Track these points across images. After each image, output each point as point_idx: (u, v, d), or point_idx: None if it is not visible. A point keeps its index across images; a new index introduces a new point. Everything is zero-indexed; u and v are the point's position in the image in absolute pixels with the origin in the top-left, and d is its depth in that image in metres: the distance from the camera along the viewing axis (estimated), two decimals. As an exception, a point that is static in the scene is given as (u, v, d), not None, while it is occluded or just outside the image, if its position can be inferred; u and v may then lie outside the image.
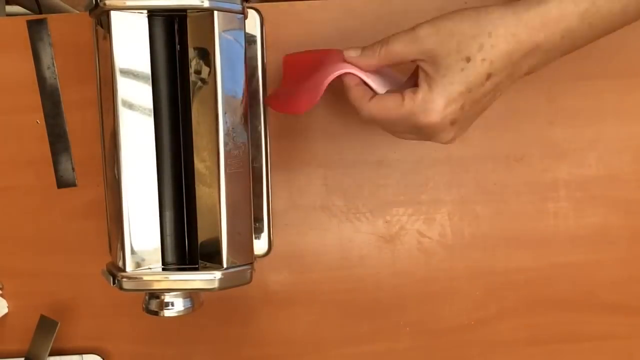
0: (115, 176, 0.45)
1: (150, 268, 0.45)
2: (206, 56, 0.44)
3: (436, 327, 0.60)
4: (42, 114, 0.58)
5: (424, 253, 0.60)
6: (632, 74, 0.59)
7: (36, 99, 0.58)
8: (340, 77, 0.46)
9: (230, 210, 0.44)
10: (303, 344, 0.60)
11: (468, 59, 0.40)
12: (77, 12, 1.06)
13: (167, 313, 0.47)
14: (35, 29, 0.57)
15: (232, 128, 0.44)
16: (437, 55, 0.41)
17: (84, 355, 0.59)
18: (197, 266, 0.46)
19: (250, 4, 0.55)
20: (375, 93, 0.45)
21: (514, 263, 0.60)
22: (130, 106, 0.44)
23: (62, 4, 1.05)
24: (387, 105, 0.43)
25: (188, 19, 0.45)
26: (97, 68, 0.51)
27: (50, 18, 0.57)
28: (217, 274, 0.44)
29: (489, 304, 0.60)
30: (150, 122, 0.45)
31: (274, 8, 0.57)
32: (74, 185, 0.59)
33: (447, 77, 0.41)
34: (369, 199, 0.59)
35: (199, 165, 0.46)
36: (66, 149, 0.59)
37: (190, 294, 0.48)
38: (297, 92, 0.50)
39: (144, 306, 0.48)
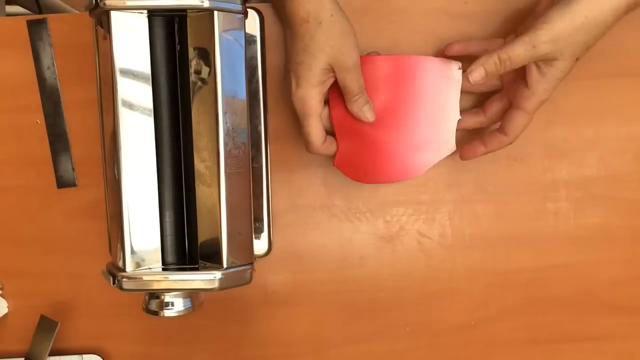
0: (115, 176, 0.45)
1: (150, 268, 0.45)
2: (206, 56, 0.44)
3: (436, 327, 0.60)
4: (42, 114, 0.58)
5: (424, 253, 0.60)
6: (632, 74, 0.59)
7: (36, 99, 0.58)
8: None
9: (230, 210, 0.44)
10: (303, 343, 0.60)
11: (577, 59, 0.48)
12: (77, 12, 1.06)
13: (167, 313, 0.47)
14: (35, 29, 0.57)
15: (232, 128, 0.44)
16: (554, 60, 0.48)
17: (84, 355, 0.59)
18: (197, 266, 0.46)
19: (250, 4, 0.55)
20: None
21: (514, 263, 0.60)
22: (130, 106, 0.44)
23: (62, 4, 1.05)
24: (520, 123, 0.51)
25: (188, 19, 0.45)
26: (97, 68, 0.51)
27: (50, 18, 0.57)
28: (217, 274, 0.44)
29: (489, 304, 0.60)
30: (150, 122, 0.45)
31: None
32: (74, 185, 0.59)
33: (558, 77, 0.49)
34: (369, 199, 0.59)
35: (199, 165, 0.46)
36: (66, 149, 0.59)
37: (190, 294, 0.48)
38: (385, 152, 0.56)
39: (144, 306, 0.48)
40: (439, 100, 0.55)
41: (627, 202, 0.60)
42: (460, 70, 0.54)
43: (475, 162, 0.58)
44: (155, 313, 0.47)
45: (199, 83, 0.45)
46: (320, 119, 0.52)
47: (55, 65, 0.58)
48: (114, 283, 0.45)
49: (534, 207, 0.60)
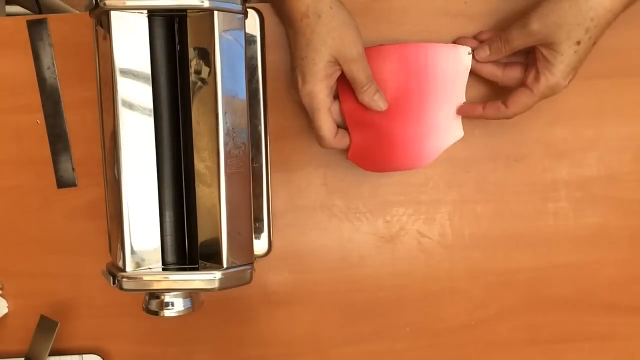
0: (115, 176, 0.45)
1: (150, 268, 0.45)
2: (206, 56, 0.44)
3: (436, 327, 0.60)
4: (42, 114, 0.58)
5: (424, 253, 0.60)
6: (632, 74, 0.59)
7: (36, 99, 0.58)
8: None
9: (230, 210, 0.44)
10: (303, 343, 0.60)
11: (578, 42, 0.48)
12: (77, 12, 1.06)
13: (167, 313, 0.47)
14: (35, 29, 0.57)
15: (232, 128, 0.44)
16: (552, 43, 0.49)
17: (84, 355, 0.59)
18: (197, 266, 0.46)
19: (250, 4, 0.55)
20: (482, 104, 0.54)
21: (514, 263, 0.60)
22: (130, 106, 0.44)
23: (62, 4, 1.05)
24: (522, 101, 0.52)
25: (188, 19, 0.45)
26: (97, 68, 0.51)
27: (50, 18, 0.57)
28: (217, 274, 0.44)
29: (489, 304, 0.60)
30: (150, 122, 0.45)
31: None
32: (74, 185, 0.59)
33: (563, 62, 0.49)
34: (369, 199, 0.59)
35: (199, 165, 0.45)
36: (66, 149, 0.59)
37: (190, 294, 0.48)
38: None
39: (144, 306, 0.48)
40: (447, 86, 0.55)
41: (627, 202, 0.60)
42: (470, 55, 0.55)
43: (475, 162, 0.58)
44: (155, 313, 0.47)
45: (199, 83, 0.45)
46: (330, 113, 0.52)
47: (55, 65, 0.58)
48: (114, 283, 0.45)
49: (534, 207, 0.60)
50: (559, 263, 0.60)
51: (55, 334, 0.56)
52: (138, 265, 0.45)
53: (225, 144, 0.44)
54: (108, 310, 0.60)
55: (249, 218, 0.47)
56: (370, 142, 0.55)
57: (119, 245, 0.45)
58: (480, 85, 0.57)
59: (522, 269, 0.60)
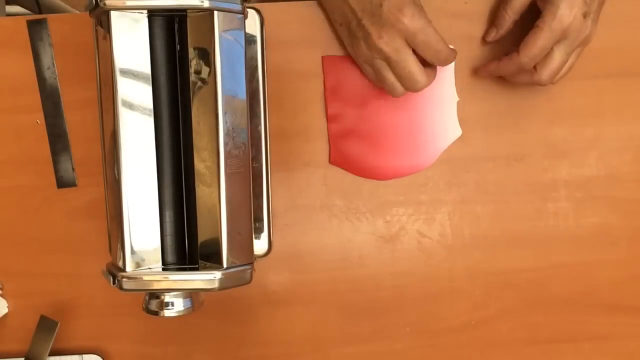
0: (115, 176, 0.45)
1: (150, 268, 0.45)
2: (206, 56, 0.44)
3: (436, 327, 0.60)
4: (42, 114, 0.58)
5: (424, 253, 0.60)
6: (632, 74, 0.59)
7: (36, 99, 0.58)
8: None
9: (230, 210, 0.44)
10: (303, 343, 0.60)
11: None
12: (77, 12, 1.06)
13: (167, 313, 0.47)
14: (35, 29, 0.57)
15: (232, 128, 0.44)
16: None
17: (84, 355, 0.59)
18: (197, 266, 0.46)
19: (250, 4, 0.55)
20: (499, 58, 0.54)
21: (514, 263, 0.60)
22: (130, 106, 0.44)
23: (62, 4, 1.05)
24: (533, 41, 0.50)
25: (188, 19, 0.45)
26: (97, 68, 0.51)
27: (50, 18, 0.57)
28: (217, 274, 0.44)
29: (489, 304, 0.60)
30: (150, 122, 0.45)
31: (274, 8, 0.57)
32: (74, 185, 0.59)
33: None
34: (369, 199, 0.59)
35: (199, 165, 0.46)
36: (66, 149, 0.59)
37: (190, 294, 0.48)
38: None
39: (144, 306, 0.48)
40: (435, 87, 0.56)
41: (627, 202, 0.60)
42: None
43: (475, 162, 0.58)
44: (155, 313, 0.47)
45: (199, 83, 0.45)
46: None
47: (55, 65, 0.58)
48: (114, 283, 0.45)
49: (534, 207, 0.60)
50: (559, 263, 0.60)
51: (55, 334, 0.56)
52: (138, 265, 0.45)
53: (225, 144, 0.44)
54: (108, 310, 0.60)
55: (249, 218, 0.47)
56: (360, 149, 0.58)
57: (119, 245, 0.45)
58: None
59: (522, 269, 0.60)
